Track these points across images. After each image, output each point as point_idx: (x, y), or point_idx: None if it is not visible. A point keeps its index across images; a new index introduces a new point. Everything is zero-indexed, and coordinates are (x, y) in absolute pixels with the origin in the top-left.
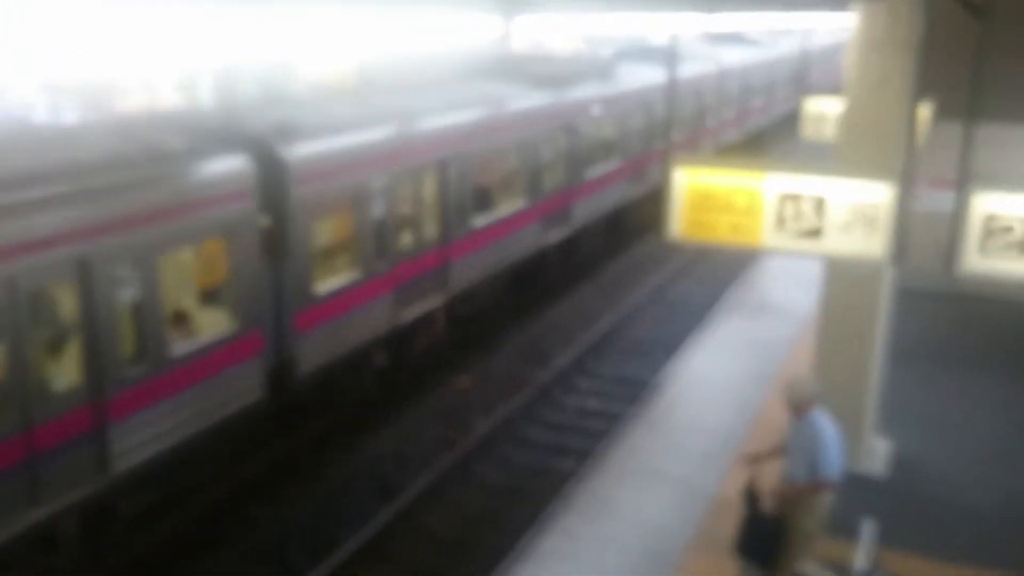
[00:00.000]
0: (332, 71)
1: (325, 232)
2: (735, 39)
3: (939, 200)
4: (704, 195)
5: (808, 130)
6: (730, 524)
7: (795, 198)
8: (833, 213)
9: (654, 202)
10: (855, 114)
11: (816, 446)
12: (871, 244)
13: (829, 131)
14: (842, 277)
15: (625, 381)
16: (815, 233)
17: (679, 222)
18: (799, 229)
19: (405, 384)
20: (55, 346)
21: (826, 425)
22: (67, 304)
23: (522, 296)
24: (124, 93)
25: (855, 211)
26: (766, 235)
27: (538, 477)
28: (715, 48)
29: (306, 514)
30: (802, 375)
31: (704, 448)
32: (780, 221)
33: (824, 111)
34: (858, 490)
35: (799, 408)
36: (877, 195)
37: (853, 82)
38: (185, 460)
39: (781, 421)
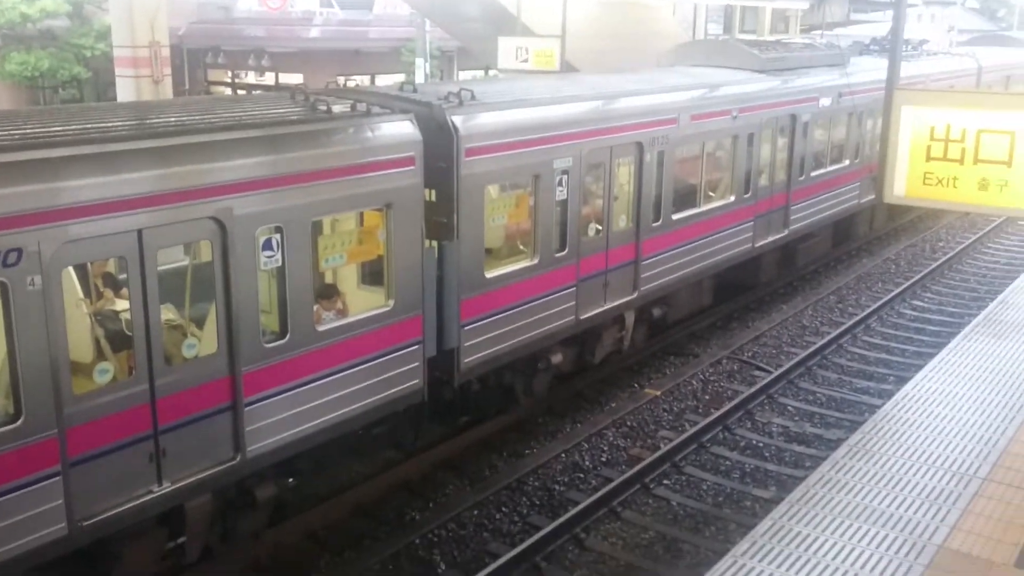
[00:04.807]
0: (536, 54)
1: (499, 212)
2: (999, 40)
3: None
4: (941, 140)
5: None
6: None
7: None
8: None
9: (891, 211)
10: None
11: None
12: None
13: None
14: None
15: (842, 404)
16: None
17: (904, 177)
18: None
19: (586, 390)
20: (185, 311)
21: None
22: (202, 264)
23: (729, 305)
24: None
25: None
26: None
27: (729, 504)
28: (976, 48)
29: (458, 522)
30: None
31: (932, 487)
32: None
33: None
34: None
35: None
36: None
37: None
38: (335, 450)
39: None
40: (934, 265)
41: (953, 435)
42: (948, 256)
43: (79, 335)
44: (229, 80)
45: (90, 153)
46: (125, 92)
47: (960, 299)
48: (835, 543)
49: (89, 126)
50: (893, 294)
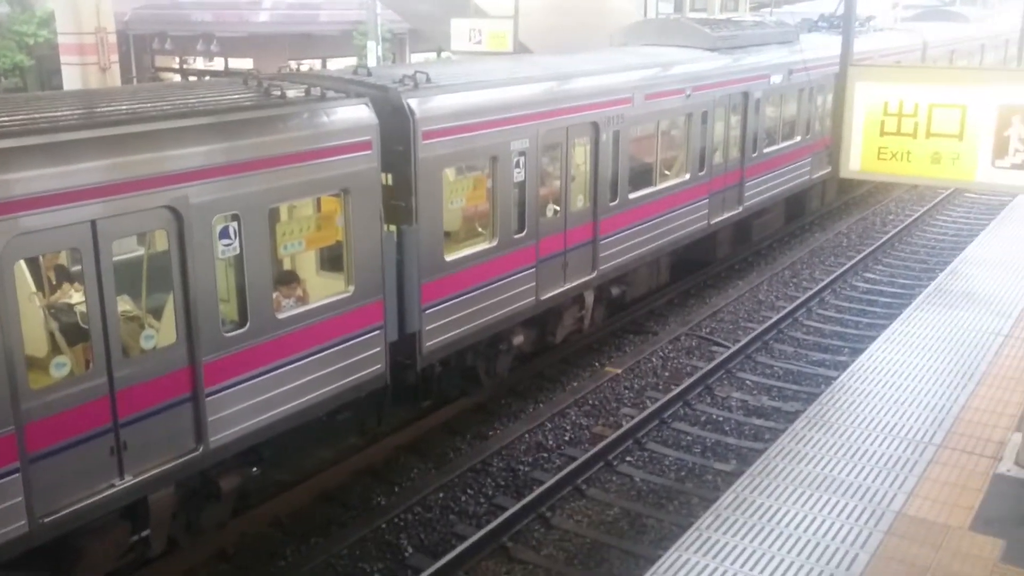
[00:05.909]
0: (489, 35)
1: (457, 195)
2: (943, 15)
3: None
4: (894, 115)
5: None
6: (916, 549)
7: None
8: None
9: (842, 185)
10: None
11: None
12: None
13: None
14: None
15: (799, 376)
16: None
17: (859, 152)
18: None
19: (548, 371)
20: (142, 301)
21: None
22: (158, 254)
23: (686, 282)
24: None
25: None
26: (980, 168)
27: (692, 479)
28: (921, 23)
29: (424, 506)
30: None
31: (888, 455)
32: (1002, 148)
33: None
34: None
35: None
36: None
37: None
38: (299, 437)
39: (984, 426)
40: (885, 238)
41: (908, 404)
42: (898, 229)
43: (34, 329)
44: (177, 66)
45: (40, 143)
46: (71, 80)
47: (911, 271)
48: (796, 513)
49: (37, 116)
50: (846, 267)
